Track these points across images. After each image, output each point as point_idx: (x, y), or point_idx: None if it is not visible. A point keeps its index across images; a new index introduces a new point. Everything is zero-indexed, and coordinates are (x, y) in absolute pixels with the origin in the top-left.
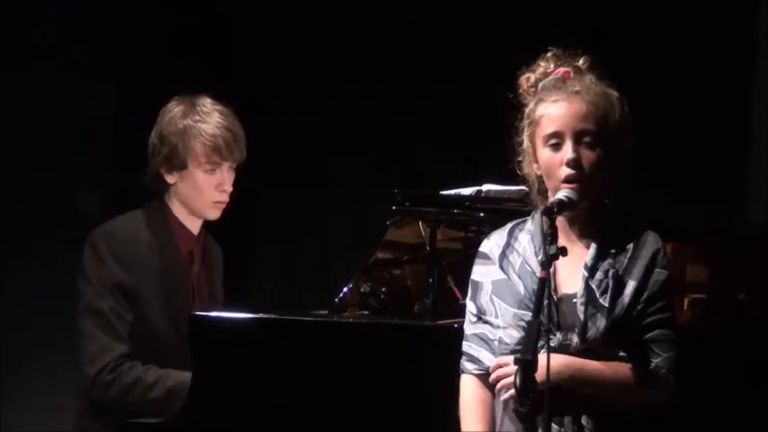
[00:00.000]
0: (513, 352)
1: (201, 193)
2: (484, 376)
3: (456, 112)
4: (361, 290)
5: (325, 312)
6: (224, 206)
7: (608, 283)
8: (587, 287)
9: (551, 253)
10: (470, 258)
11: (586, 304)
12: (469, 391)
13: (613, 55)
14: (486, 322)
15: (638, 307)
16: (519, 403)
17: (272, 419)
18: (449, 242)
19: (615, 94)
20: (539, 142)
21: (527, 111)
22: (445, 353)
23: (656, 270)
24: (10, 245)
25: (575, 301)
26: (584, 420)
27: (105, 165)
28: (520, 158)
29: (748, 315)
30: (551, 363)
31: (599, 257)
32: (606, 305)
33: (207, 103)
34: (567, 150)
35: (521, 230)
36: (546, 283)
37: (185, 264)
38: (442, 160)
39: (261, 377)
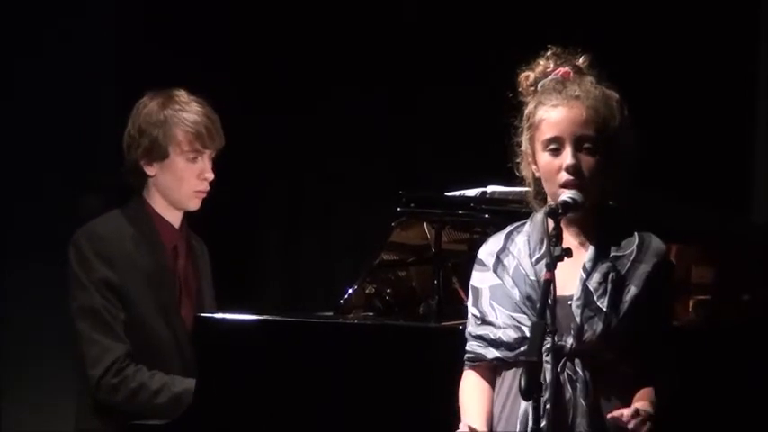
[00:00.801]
0: (511, 349)
1: (183, 182)
2: (485, 370)
3: (458, 112)
4: (366, 291)
5: (330, 314)
6: (204, 196)
7: (606, 286)
8: (584, 289)
9: (556, 254)
10: (475, 260)
11: (583, 306)
12: (470, 382)
13: (616, 56)
14: (490, 324)
15: (638, 313)
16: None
17: (276, 420)
18: (454, 244)
19: (615, 96)
20: (538, 146)
21: (526, 112)
22: (450, 355)
23: (660, 280)
24: (10, 245)
25: (570, 303)
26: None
27: (106, 165)
28: (518, 160)
29: (753, 316)
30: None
31: (597, 259)
32: (604, 308)
33: (183, 95)
34: (567, 156)
35: (518, 233)
36: (551, 285)
37: (170, 259)
38: (444, 159)
39: (265, 378)
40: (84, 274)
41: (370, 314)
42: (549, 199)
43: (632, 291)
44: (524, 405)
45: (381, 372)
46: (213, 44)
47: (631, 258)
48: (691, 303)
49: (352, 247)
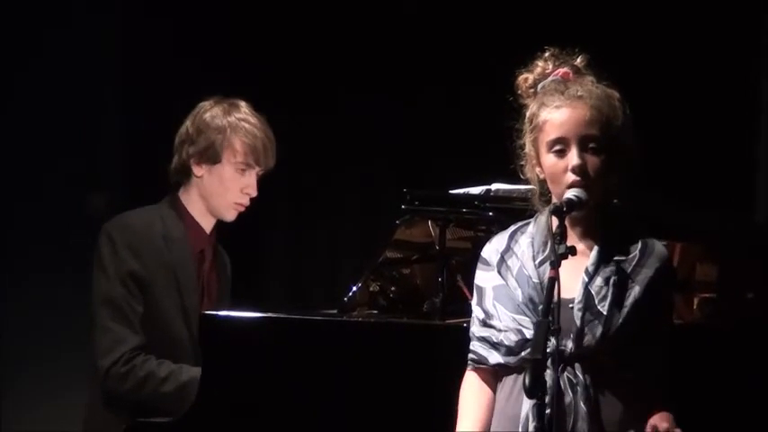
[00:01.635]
0: (512, 354)
1: (227, 191)
2: (488, 372)
3: (460, 109)
4: (371, 289)
5: (335, 312)
6: (242, 209)
7: (608, 290)
8: (586, 292)
9: (560, 252)
10: (479, 258)
11: (584, 310)
12: (471, 385)
13: (618, 56)
14: (492, 326)
15: (638, 320)
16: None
17: (280, 418)
18: (458, 241)
19: (616, 94)
20: (542, 148)
21: (529, 114)
22: (454, 352)
23: (662, 286)
24: (11, 245)
25: (571, 306)
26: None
27: (111, 165)
28: (522, 162)
29: (756, 314)
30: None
31: (600, 263)
32: (605, 313)
33: (247, 107)
34: (573, 157)
35: (522, 233)
36: (555, 283)
37: (196, 262)
38: (448, 157)
39: (270, 376)
40: (112, 265)
41: (375, 312)
42: (554, 199)
43: (633, 296)
44: (525, 409)
45: (385, 369)
46: (213, 44)
47: (633, 263)
48: (695, 301)
49: (357, 245)
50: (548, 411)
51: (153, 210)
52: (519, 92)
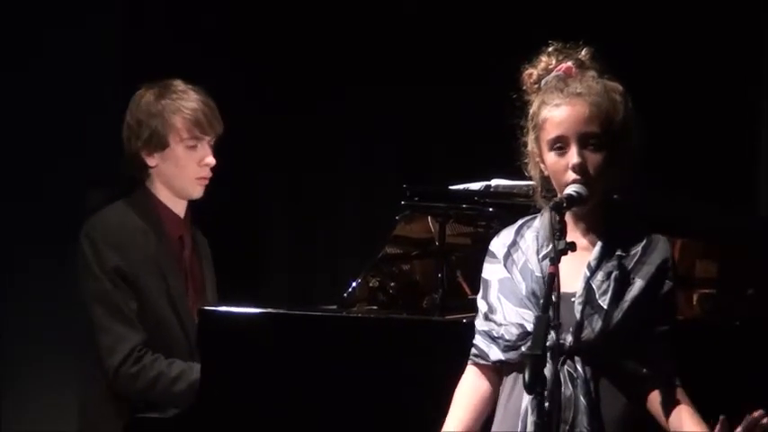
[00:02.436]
0: (511, 348)
1: (184, 170)
2: (488, 368)
3: (461, 107)
4: (370, 285)
5: (335, 307)
6: (206, 182)
7: (609, 285)
8: (587, 287)
9: (560, 248)
10: (479, 254)
11: (585, 304)
12: (465, 382)
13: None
14: (493, 320)
15: (639, 315)
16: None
17: (280, 414)
18: (458, 237)
19: (619, 88)
20: (544, 146)
21: (530, 112)
22: (454, 348)
23: (663, 281)
24: (11, 245)
25: (573, 300)
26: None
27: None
28: (526, 160)
29: (757, 310)
30: None
31: (603, 257)
32: (605, 307)
33: (180, 84)
34: (573, 155)
35: (528, 228)
36: (554, 279)
37: (176, 249)
38: (449, 154)
39: (269, 371)
40: (97, 264)
41: (374, 308)
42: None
43: (634, 290)
44: (524, 403)
45: (385, 365)
46: (213, 45)
47: (636, 258)
48: (695, 298)
49: (357, 240)
50: (547, 405)
51: (122, 205)
52: (524, 87)
